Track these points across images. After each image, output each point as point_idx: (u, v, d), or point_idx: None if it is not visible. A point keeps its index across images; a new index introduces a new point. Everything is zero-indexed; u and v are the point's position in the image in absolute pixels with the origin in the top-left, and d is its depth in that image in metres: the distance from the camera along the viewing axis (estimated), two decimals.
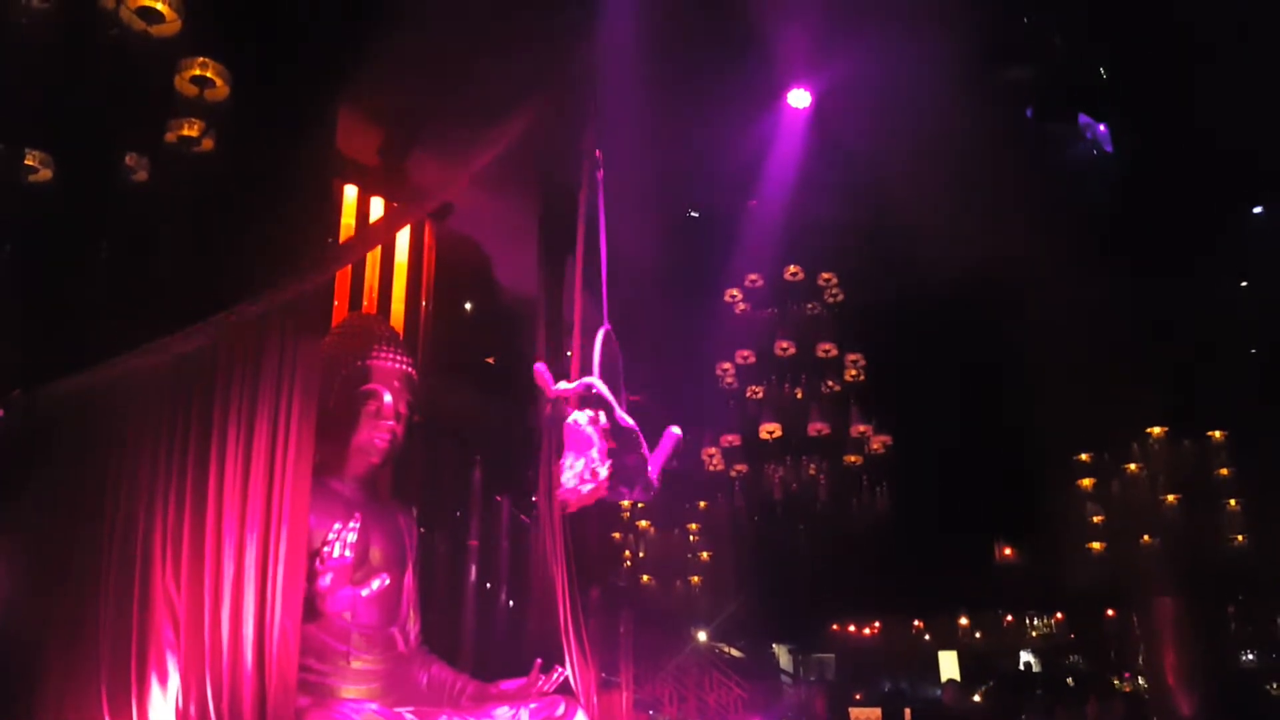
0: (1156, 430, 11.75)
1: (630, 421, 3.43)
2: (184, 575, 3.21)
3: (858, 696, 12.42)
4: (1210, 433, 11.56)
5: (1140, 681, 12.97)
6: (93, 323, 3.54)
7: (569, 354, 4.61)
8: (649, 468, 3.44)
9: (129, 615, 3.13)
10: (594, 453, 3.26)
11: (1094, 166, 10.03)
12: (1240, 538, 11.29)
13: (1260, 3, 7.52)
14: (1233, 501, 11.38)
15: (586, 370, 3.64)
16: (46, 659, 3.11)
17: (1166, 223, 9.59)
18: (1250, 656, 13.09)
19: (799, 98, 7.65)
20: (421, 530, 4.49)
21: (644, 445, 3.46)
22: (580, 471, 3.24)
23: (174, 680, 3.12)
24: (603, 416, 3.36)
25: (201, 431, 3.34)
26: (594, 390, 3.39)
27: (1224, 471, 11.47)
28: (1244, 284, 11.27)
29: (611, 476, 3.32)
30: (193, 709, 3.10)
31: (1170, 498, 11.54)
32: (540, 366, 3.53)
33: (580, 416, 3.35)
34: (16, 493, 3.24)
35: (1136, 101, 9.37)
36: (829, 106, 7.67)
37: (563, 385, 3.47)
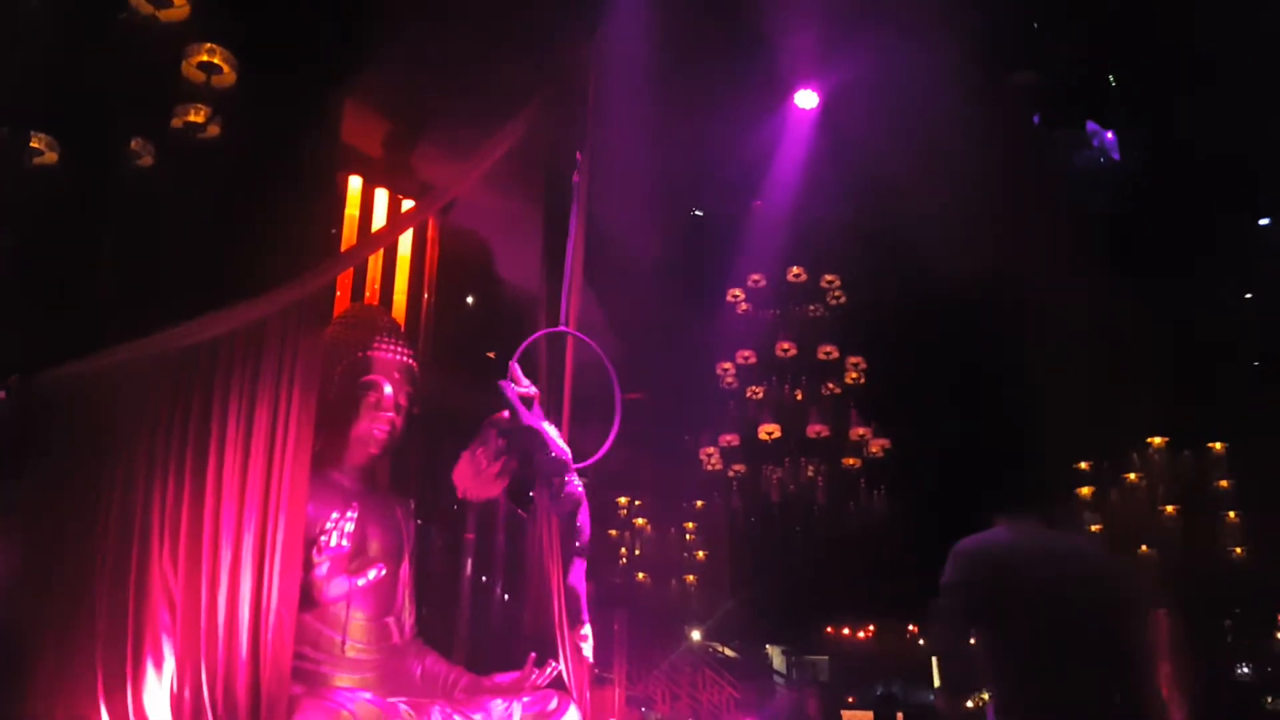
0: (1157, 440, 11.74)
1: (538, 424, 3.63)
2: (181, 561, 3.21)
3: (850, 699, 12.43)
4: (1211, 444, 11.54)
5: None
6: (95, 307, 3.55)
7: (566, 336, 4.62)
8: (567, 474, 3.63)
9: (125, 599, 3.14)
10: (489, 452, 3.48)
11: (1098, 173, 10.03)
12: (1239, 550, 11.27)
13: (1263, 17, 7.53)
14: (1232, 514, 11.36)
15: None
16: (43, 641, 3.12)
17: (1171, 232, 9.59)
18: (1246, 669, 13.06)
19: (806, 98, 7.66)
20: (418, 522, 4.49)
21: (553, 446, 3.65)
22: (467, 467, 3.46)
23: (169, 665, 3.13)
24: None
25: (201, 419, 3.34)
26: (500, 389, 3.63)
27: (1223, 483, 11.45)
28: (1248, 295, 11.26)
29: (520, 476, 3.56)
30: (187, 693, 3.10)
31: (1169, 508, 11.52)
32: (513, 365, 3.68)
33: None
34: (15, 476, 3.24)
35: (1140, 109, 9.38)
36: (836, 108, 7.68)
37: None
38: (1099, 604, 2.79)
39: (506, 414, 3.75)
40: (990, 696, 2.84)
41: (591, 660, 3.90)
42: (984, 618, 2.85)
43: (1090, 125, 9.81)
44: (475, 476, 3.48)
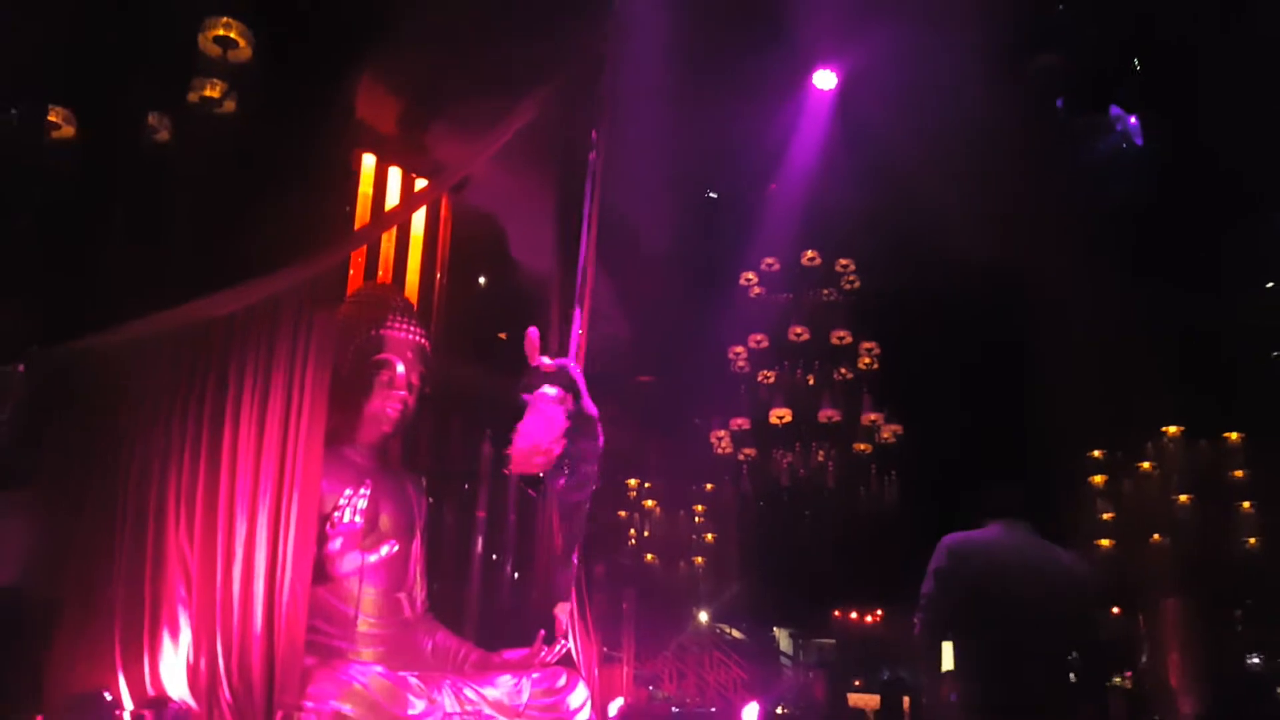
0: (1172, 429, 11.63)
1: (594, 410, 3.56)
2: (197, 534, 3.25)
3: (857, 683, 12.48)
4: (1226, 434, 11.43)
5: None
6: (110, 281, 3.57)
7: (580, 331, 4.61)
8: (595, 462, 3.58)
9: (142, 571, 3.18)
10: (556, 431, 3.41)
11: (1119, 161, 9.87)
12: (1252, 540, 11.19)
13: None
14: (1246, 504, 11.27)
15: (568, 350, 3.78)
16: (61, 612, 3.17)
17: (1189, 221, 9.45)
18: (1256, 659, 13.02)
19: (825, 79, 7.55)
20: (430, 500, 4.52)
21: (600, 436, 3.60)
22: (538, 444, 3.38)
23: (185, 636, 3.17)
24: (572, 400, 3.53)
25: (217, 394, 3.37)
26: (568, 371, 3.53)
27: (1238, 473, 11.35)
28: (1269, 285, 11.10)
29: (561, 459, 3.48)
30: (203, 664, 3.15)
31: (1183, 498, 11.44)
32: (533, 332, 3.62)
33: (551, 392, 3.47)
34: (32, 447, 3.28)
35: (1161, 100, 9.21)
36: (854, 89, 7.57)
37: (545, 360, 3.58)
38: (1068, 616, 2.83)
39: (548, 393, 3.63)
40: (957, 693, 2.87)
41: (567, 625, 3.92)
42: (960, 615, 2.90)
43: (1114, 110, 9.64)
44: (545, 454, 3.43)
